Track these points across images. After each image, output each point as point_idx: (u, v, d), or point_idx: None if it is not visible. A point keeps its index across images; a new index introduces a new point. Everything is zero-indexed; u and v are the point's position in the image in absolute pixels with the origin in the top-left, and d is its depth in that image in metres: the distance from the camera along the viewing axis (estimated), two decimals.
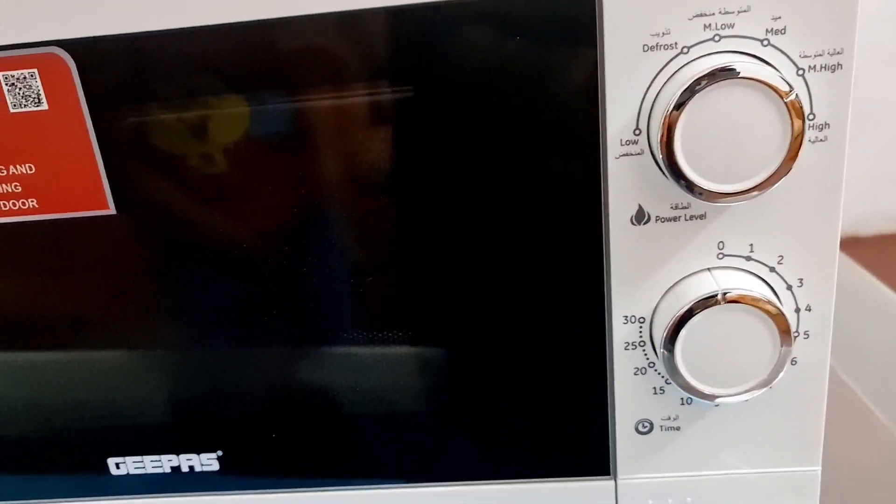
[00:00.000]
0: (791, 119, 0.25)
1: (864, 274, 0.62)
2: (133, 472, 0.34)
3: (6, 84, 0.28)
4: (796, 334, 0.30)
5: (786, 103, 0.25)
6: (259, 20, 0.27)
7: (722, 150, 0.26)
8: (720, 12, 0.26)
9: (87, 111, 0.28)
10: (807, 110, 0.27)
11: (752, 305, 0.28)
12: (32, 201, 0.30)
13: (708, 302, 0.28)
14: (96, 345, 0.32)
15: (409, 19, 0.26)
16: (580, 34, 0.26)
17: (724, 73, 0.25)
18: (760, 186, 0.26)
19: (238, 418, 0.33)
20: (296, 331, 0.32)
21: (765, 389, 0.29)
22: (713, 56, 0.26)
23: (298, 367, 0.32)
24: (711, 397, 0.30)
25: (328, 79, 0.28)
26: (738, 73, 0.25)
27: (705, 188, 0.26)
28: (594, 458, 0.32)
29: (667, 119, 0.26)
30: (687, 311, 0.28)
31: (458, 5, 0.26)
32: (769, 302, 0.28)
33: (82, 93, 0.28)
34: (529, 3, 0.26)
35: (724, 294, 0.28)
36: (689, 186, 0.26)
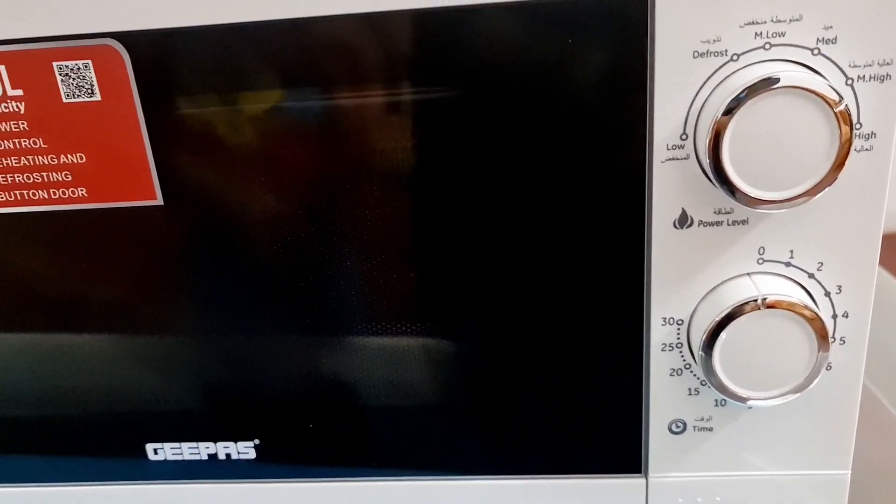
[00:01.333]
0: (840, 129, 0.26)
1: (883, 274, 0.63)
2: (171, 458, 0.35)
3: (60, 74, 0.28)
4: (832, 340, 0.30)
5: (836, 113, 0.25)
6: (305, 17, 0.27)
7: (768, 158, 0.26)
8: (772, 20, 0.26)
9: (139, 103, 0.29)
10: (854, 119, 0.27)
11: (791, 311, 0.28)
12: (82, 190, 0.30)
13: (747, 306, 0.28)
14: (138, 332, 0.33)
15: (461, 20, 0.27)
16: (632, 38, 0.27)
17: (773, 82, 0.25)
18: (805, 195, 0.26)
19: (275, 407, 0.34)
20: (329, 323, 0.32)
21: (800, 394, 0.30)
22: (763, 64, 0.26)
23: (331, 358, 0.33)
24: (746, 400, 0.30)
25: (369, 76, 0.28)
26: (788, 82, 0.25)
27: (750, 195, 0.27)
28: (627, 456, 0.33)
29: (715, 125, 0.26)
30: (727, 314, 0.29)
31: (510, 6, 0.26)
32: (808, 308, 0.28)
33: (135, 85, 0.28)
34: (582, 6, 0.26)
35: (764, 299, 0.28)
36: (734, 192, 0.27)
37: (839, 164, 0.26)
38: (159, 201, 0.30)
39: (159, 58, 0.28)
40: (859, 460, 0.36)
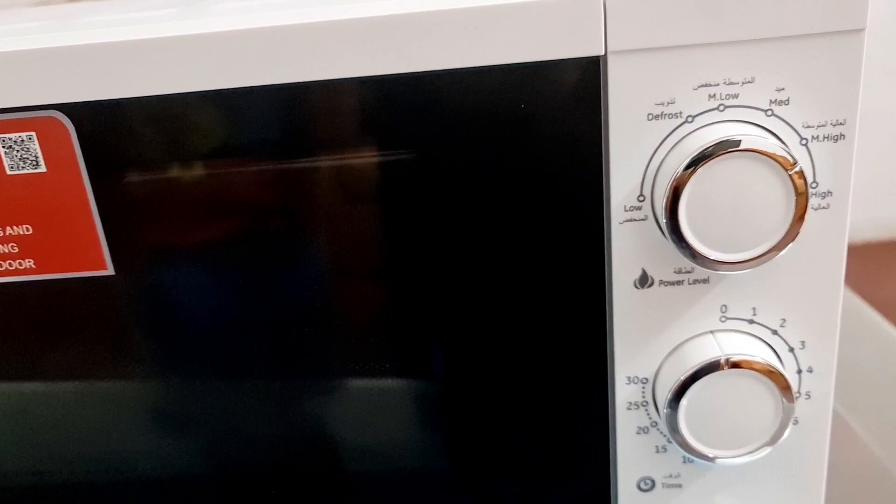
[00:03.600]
0: (795, 193, 0.25)
1: (852, 298, 0.63)
2: None
3: (3, 147, 0.28)
4: (798, 395, 0.30)
5: (790, 175, 0.25)
6: (253, 86, 0.27)
7: (726, 220, 0.26)
8: (725, 83, 0.26)
9: (86, 173, 0.28)
10: (810, 179, 0.27)
11: (755, 370, 0.28)
12: (30, 262, 0.29)
13: (711, 367, 0.28)
14: (92, 404, 0.32)
15: (419, 86, 0.26)
16: (585, 101, 0.26)
17: (728, 145, 0.25)
18: (763, 256, 0.26)
19: (241, 475, 0.33)
20: (286, 387, 0.31)
21: (766, 451, 0.29)
22: (718, 125, 0.26)
23: (299, 423, 0.32)
24: (713, 458, 0.30)
25: (323, 141, 0.28)
26: (743, 145, 0.25)
27: (709, 257, 0.26)
28: None
29: (671, 188, 0.26)
30: (690, 375, 0.28)
31: (463, 73, 0.26)
32: (771, 366, 0.28)
33: (81, 156, 0.28)
34: (535, 71, 0.26)
35: (727, 359, 0.28)
36: (693, 255, 0.26)
37: (796, 226, 0.26)
38: (111, 271, 0.29)
39: (104, 128, 0.27)
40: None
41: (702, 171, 0.25)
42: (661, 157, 0.27)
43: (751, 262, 0.27)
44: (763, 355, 0.28)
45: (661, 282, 0.29)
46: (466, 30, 0.25)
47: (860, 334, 0.57)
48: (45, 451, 0.33)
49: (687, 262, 0.28)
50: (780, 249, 0.26)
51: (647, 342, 0.29)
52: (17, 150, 0.28)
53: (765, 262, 0.26)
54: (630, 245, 0.28)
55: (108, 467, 0.33)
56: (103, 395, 0.32)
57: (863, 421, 0.47)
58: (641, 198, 0.27)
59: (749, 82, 0.26)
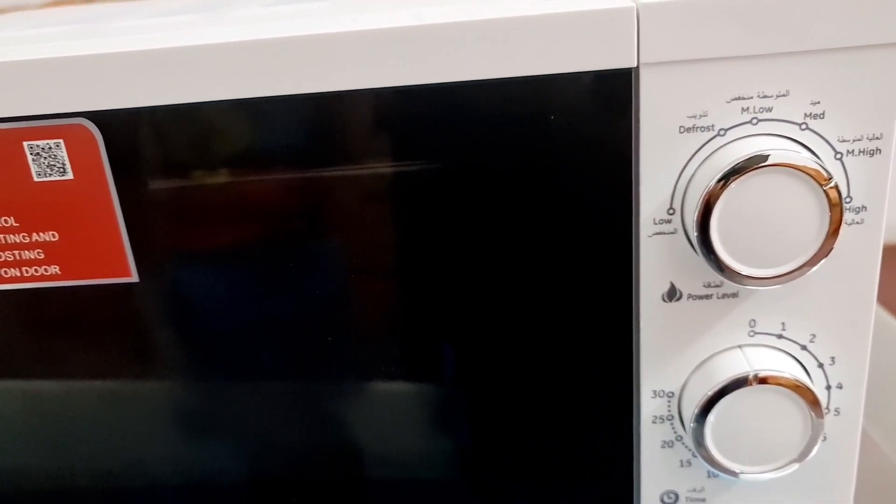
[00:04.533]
0: (829, 207, 0.25)
1: (881, 313, 0.62)
2: None
3: (31, 153, 0.28)
4: (827, 411, 0.30)
5: (825, 191, 0.25)
6: (280, 95, 0.26)
7: (758, 235, 0.26)
8: (758, 96, 0.25)
9: (112, 181, 0.28)
10: (844, 193, 0.26)
11: (783, 386, 0.28)
12: (55, 268, 0.29)
13: (739, 383, 0.28)
14: (114, 408, 0.32)
15: (447, 97, 0.26)
16: (616, 113, 0.26)
17: (761, 160, 0.25)
18: (794, 272, 0.26)
19: (261, 480, 0.33)
20: (312, 393, 0.31)
21: (794, 468, 0.29)
22: (750, 139, 0.26)
23: (321, 428, 0.32)
24: (739, 474, 0.29)
25: (349, 151, 0.27)
26: (777, 160, 0.25)
27: (740, 272, 0.26)
28: None
29: (702, 203, 0.25)
30: (718, 391, 0.28)
31: (492, 84, 0.26)
32: (800, 382, 0.28)
33: (108, 163, 0.28)
34: (567, 82, 0.26)
35: (756, 375, 0.28)
36: (723, 269, 0.26)
37: (829, 242, 0.26)
38: (135, 278, 0.29)
39: (131, 136, 0.27)
40: None
41: (734, 185, 0.25)
42: (693, 171, 0.26)
43: (782, 278, 0.26)
44: (791, 371, 0.28)
45: (690, 296, 0.28)
46: (496, 40, 0.25)
47: (882, 344, 0.56)
48: (68, 454, 0.33)
49: (716, 276, 0.27)
50: (813, 265, 0.26)
51: (673, 356, 0.29)
52: (45, 157, 0.28)
53: (796, 277, 0.26)
54: (659, 258, 0.28)
55: (129, 471, 0.33)
56: (126, 398, 0.32)
57: (885, 432, 0.46)
58: (671, 211, 0.27)
59: (783, 95, 0.25)
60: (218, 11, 0.36)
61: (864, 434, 0.46)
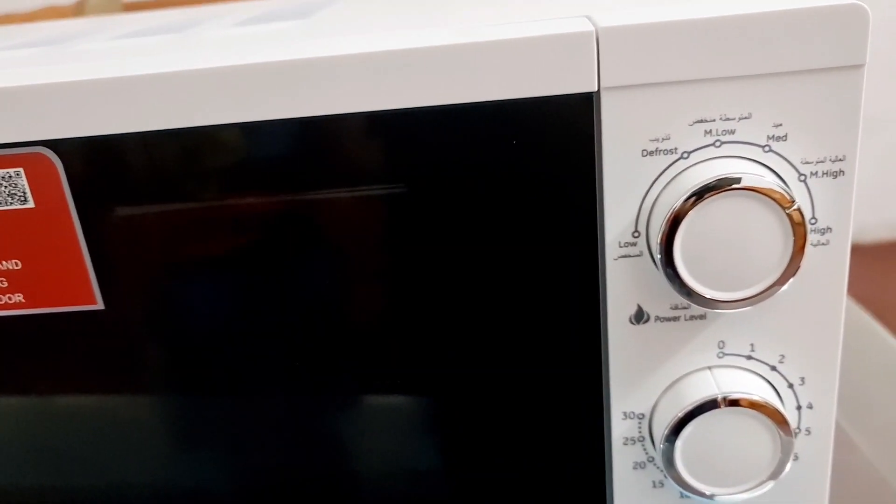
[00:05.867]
0: (793, 229, 0.25)
1: (863, 316, 0.62)
2: None
3: None
4: (797, 431, 0.30)
5: (788, 214, 0.25)
6: (239, 123, 0.26)
7: (723, 257, 0.26)
8: (721, 118, 0.25)
9: (74, 208, 0.28)
10: (808, 215, 0.26)
11: (752, 408, 0.28)
12: (19, 296, 0.29)
13: (707, 405, 0.28)
14: (81, 439, 0.32)
15: (411, 122, 0.26)
16: (579, 138, 0.26)
17: (724, 184, 0.25)
18: (760, 295, 0.26)
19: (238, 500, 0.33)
20: (279, 414, 0.31)
21: (766, 488, 0.29)
22: (714, 161, 0.26)
23: (295, 446, 0.32)
24: (710, 496, 0.29)
25: (315, 176, 0.27)
26: (740, 183, 0.25)
27: (705, 296, 0.26)
28: None
29: (666, 225, 0.25)
30: (686, 413, 0.28)
31: (456, 109, 0.26)
32: (768, 403, 0.28)
33: (69, 191, 0.27)
34: (529, 107, 0.25)
35: (724, 397, 0.27)
36: (689, 293, 0.26)
37: (794, 263, 0.25)
38: (100, 305, 0.29)
39: (92, 164, 0.27)
40: None
41: (697, 208, 0.25)
42: (657, 194, 0.26)
43: (748, 301, 0.26)
44: (761, 392, 0.28)
45: (658, 318, 0.28)
46: (458, 67, 0.25)
47: (868, 349, 0.56)
48: (48, 473, 0.33)
49: (683, 298, 0.27)
50: (779, 287, 0.26)
51: (643, 378, 0.29)
52: (5, 186, 0.27)
53: (762, 300, 0.26)
54: (625, 281, 0.28)
55: (102, 495, 0.33)
56: (97, 421, 0.31)
57: (869, 438, 0.46)
58: (636, 234, 0.27)
59: (746, 118, 0.25)
60: (187, 33, 0.35)
61: (849, 440, 0.46)
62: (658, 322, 0.28)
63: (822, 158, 0.26)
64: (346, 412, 0.31)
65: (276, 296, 0.29)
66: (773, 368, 0.29)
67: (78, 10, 0.97)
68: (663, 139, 0.26)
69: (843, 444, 0.45)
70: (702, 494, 0.29)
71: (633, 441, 0.30)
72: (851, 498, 0.41)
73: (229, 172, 0.27)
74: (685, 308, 0.28)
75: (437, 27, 0.27)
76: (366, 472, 0.32)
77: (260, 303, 0.29)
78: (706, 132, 0.26)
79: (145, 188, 0.28)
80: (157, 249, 0.28)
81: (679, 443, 0.28)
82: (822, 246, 0.27)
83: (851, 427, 0.47)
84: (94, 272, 0.29)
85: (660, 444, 0.29)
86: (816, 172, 0.26)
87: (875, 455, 0.44)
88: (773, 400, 0.28)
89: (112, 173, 0.27)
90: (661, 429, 0.29)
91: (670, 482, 0.30)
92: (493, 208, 0.27)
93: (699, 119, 0.25)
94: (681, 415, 0.28)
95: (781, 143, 0.26)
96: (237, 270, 0.29)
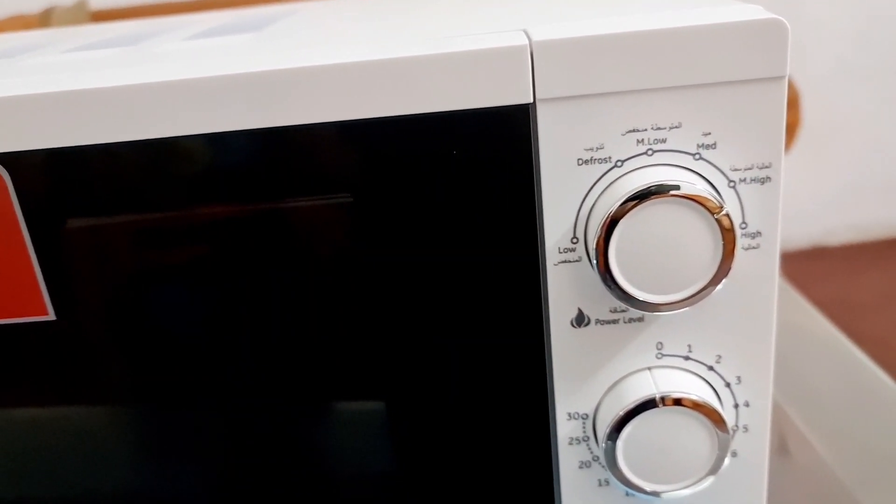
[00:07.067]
0: (722, 234, 0.26)
1: (822, 322, 0.63)
2: None
3: None
4: (735, 428, 0.31)
5: (717, 220, 0.26)
6: (189, 135, 0.27)
7: (656, 262, 0.26)
8: (652, 128, 0.26)
9: (23, 221, 0.28)
10: (739, 220, 0.27)
11: (688, 406, 0.29)
12: None
13: (646, 405, 0.28)
14: (35, 451, 0.32)
15: (353, 134, 0.27)
16: (517, 148, 0.27)
17: (656, 190, 0.26)
18: (692, 298, 0.27)
19: None
20: (239, 421, 0.32)
21: (704, 485, 0.30)
22: (647, 169, 0.27)
23: (246, 462, 0.32)
24: (651, 493, 0.30)
25: (264, 187, 0.28)
26: (670, 190, 0.26)
27: (640, 299, 0.27)
28: None
29: (601, 231, 0.26)
30: (626, 413, 0.29)
31: (395, 121, 0.26)
32: (704, 402, 0.29)
33: (17, 204, 0.28)
34: (468, 119, 0.26)
35: (662, 397, 0.28)
36: (625, 297, 0.27)
37: (724, 267, 0.26)
38: (52, 316, 0.30)
39: (41, 177, 0.27)
40: None
41: (631, 214, 0.26)
42: (593, 201, 0.27)
43: (682, 303, 0.27)
44: (698, 391, 0.29)
45: (598, 321, 0.29)
46: (399, 80, 0.26)
47: (818, 349, 0.58)
48: (7, 485, 0.33)
49: (621, 302, 0.28)
50: (712, 289, 0.27)
51: (586, 379, 0.30)
52: None
53: (696, 302, 0.27)
54: (566, 285, 0.28)
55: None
56: (54, 432, 0.32)
57: (820, 434, 0.47)
58: (575, 240, 0.28)
59: (676, 127, 0.26)
60: (140, 46, 0.36)
61: (807, 441, 0.47)
62: (598, 325, 0.29)
63: (749, 165, 0.27)
64: (302, 418, 0.31)
65: (225, 304, 0.30)
66: (711, 368, 0.30)
67: (44, 20, 0.96)
68: (598, 148, 0.27)
69: (801, 445, 0.47)
70: (644, 491, 0.30)
71: (579, 441, 0.31)
72: (807, 497, 0.42)
73: (179, 184, 0.28)
74: (624, 311, 0.29)
75: (380, 42, 0.28)
76: (322, 476, 0.32)
77: (210, 311, 0.30)
78: (638, 141, 0.27)
79: (95, 200, 0.28)
80: (109, 260, 0.29)
81: (620, 442, 0.29)
82: (753, 249, 0.28)
83: (809, 429, 0.48)
84: (45, 283, 0.29)
85: (602, 444, 0.30)
86: (745, 179, 0.27)
87: (831, 456, 0.45)
88: (710, 399, 0.29)
89: (62, 186, 0.28)
90: (604, 428, 0.29)
91: (615, 480, 0.31)
92: (436, 217, 0.28)
93: (631, 129, 0.26)
94: (621, 413, 0.29)
95: (711, 150, 0.27)
96: (189, 280, 0.29)
